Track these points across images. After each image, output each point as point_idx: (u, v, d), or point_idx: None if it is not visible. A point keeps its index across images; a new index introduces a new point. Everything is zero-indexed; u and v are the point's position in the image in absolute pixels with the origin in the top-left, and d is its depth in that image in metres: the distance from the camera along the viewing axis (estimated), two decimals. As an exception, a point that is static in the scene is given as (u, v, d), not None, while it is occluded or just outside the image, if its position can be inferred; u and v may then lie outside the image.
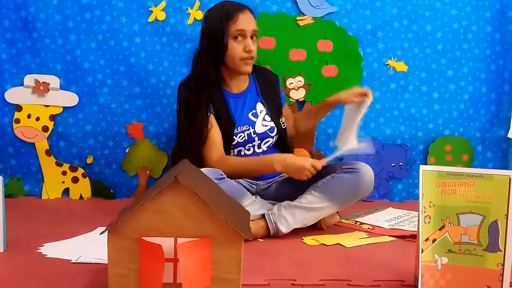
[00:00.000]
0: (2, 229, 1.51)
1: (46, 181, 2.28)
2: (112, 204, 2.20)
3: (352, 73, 2.32)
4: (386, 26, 2.33)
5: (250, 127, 1.91)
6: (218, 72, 1.89)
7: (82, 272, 1.33)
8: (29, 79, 2.24)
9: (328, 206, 1.76)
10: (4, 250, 1.51)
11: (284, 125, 2.00)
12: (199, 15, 2.25)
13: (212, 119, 1.86)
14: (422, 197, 1.24)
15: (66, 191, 2.29)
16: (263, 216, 1.74)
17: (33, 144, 2.27)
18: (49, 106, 2.25)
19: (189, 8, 2.26)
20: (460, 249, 1.24)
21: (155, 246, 1.05)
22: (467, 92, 2.38)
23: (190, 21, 2.26)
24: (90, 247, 1.55)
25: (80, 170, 2.29)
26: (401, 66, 2.35)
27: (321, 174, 1.77)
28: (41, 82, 2.24)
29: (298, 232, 1.75)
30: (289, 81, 2.29)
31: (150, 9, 2.25)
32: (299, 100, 2.30)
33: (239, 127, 1.90)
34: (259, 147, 1.94)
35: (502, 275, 1.21)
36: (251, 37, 1.86)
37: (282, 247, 1.63)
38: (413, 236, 1.63)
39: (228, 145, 1.89)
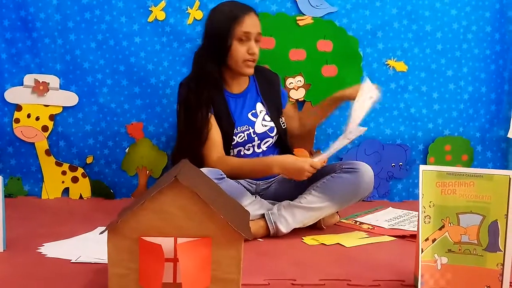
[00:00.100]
0: (2, 229, 1.51)
1: (46, 181, 2.28)
2: (112, 204, 2.20)
3: (352, 73, 2.31)
4: (386, 26, 2.33)
5: (250, 127, 1.91)
6: (219, 72, 1.89)
7: (82, 272, 1.33)
8: (28, 79, 2.24)
9: (328, 206, 1.76)
10: (3, 250, 1.51)
11: (284, 125, 2.00)
12: (199, 15, 2.25)
13: (212, 119, 1.86)
14: (422, 197, 1.24)
15: (66, 191, 2.29)
16: (263, 216, 1.75)
17: (33, 144, 2.27)
18: (48, 106, 2.25)
19: (188, 8, 2.26)
20: (460, 249, 1.24)
21: (155, 246, 1.05)
22: (467, 92, 2.38)
23: (190, 21, 2.26)
24: (90, 247, 1.55)
25: (80, 170, 2.29)
26: (401, 66, 2.35)
27: (321, 174, 1.77)
28: (40, 82, 2.24)
29: (298, 232, 1.75)
30: (288, 81, 2.29)
31: (149, 9, 2.25)
32: (299, 100, 2.30)
33: (238, 127, 1.90)
34: (258, 147, 1.94)
35: (502, 275, 1.21)
36: (255, 40, 1.86)
37: (282, 247, 1.63)
38: (413, 236, 1.63)
39: (228, 145, 1.89)
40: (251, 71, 1.89)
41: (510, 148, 2.40)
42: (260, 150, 1.94)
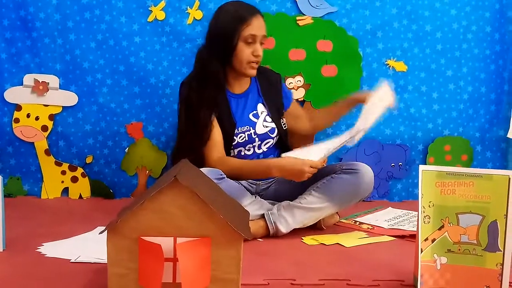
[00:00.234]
0: (2, 229, 1.51)
1: (46, 181, 2.28)
2: (111, 203, 2.20)
3: (351, 73, 2.32)
4: (386, 26, 2.33)
5: (251, 128, 1.91)
6: (223, 72, 1.89)
7: (81, 271, 1.33)
8: (28, 79, 2.24)
9: (328, 207, 1.77)
10: (3, 250, 1.51)
11: (285, 126, 2.00)
12: (199, 14, 2.25)
13: (214, 119, 1.86)
14: (422, 197, 1.24)
15: (65, 191, 2.29)
16: (262, 216, 1.75)
17: (33, 143, 2.26)
18: (48, 105, 2.25)
19: (188, 7, 2.26)
20: (459, 249, 1.24)
21: (155, 245, 1.05)
22: (467, 92, 2.38)
23: (189, 20, 2.26)
24: (89, 246, 1.55)
25: (80, 170, 2.29)
26: (400, 66, 2.35)
27: (321, 174, 1.77)
28: (40, 81, 2.24)
29: (297, 232, 1.75)
30: (288, 80, 2.29)
31: (149, 8, 2.25)
32: (299, 99, 2.30)
33: (239, 128, 1.89)
34: (259, 147, 1.94)
35: (501, 275, 1.21)
36: (260, 42, 1.86)
37: (281, 247, 1.63)
38: (413, 236, 1.63)
39: (228, 145, 1.88)
40: (254, 72, 1.89)
41: (509, 148, 2.40)
42: (260, 151, 1.94)
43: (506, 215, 1.20)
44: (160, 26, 2.26)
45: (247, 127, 1.91)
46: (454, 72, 2.37)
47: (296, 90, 2.29)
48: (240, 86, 1.95)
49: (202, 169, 1.56)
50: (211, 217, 1.07)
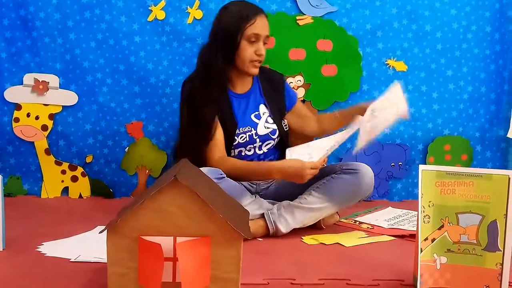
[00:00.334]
0: (2, 228, 1.51)
1: (46, 180, 2.28)
2: (111, 203, 2.20)
3: (351, 72, 2.32)
4: (386, 25, 2.33)
5: (252, 129, 1.91)
6: (226, 71, 1.88)
7: (81, 271, 1.33)
8: (28, 78, 2.24)
9: (328, 207, 1.77)
10: (3, 249, 1.51)
11: (286, 128, 1.99)
12: (199, 14, 2.25)
13: (216, 119, 1.85)
14: (421, 197, 1.24)
15: (65, 190, 2.29)
16: (262, 215, 1.75)
17: (33, 143, 2.26)
18: (48, 105, 2.25)
19: (188, 7, 2.26)
20: (459, 249, 1.24)
21: (155, 245, 1.05)
22: (467, 91, 2.38)
23: (189, 20, 2.26)
24: (89, 246, 1.55)
25: (80, 169, 2.29)
26: (400, 66, 2.35)
27: (321, 174, 1.76)
28: (40, 81, 2.24)
29: (297, 232, 1.75)
30: (288, 80, 2.29)
31: (149, 8, 2.25)
32: (299, 99, 2.30)
33: (241, 128, 1.89)
34: (260, 148, 1.93)
35: (501, 274, 1.21)
36: (263, 42, 1.86)
37: (281, 247, 1.63)
38: (412, 236, 1.63)
39: (229, 145, 1.88)
40: (256, 71, 1.89)
41: (509, 148, 2.40)
42: (261, 152, 1.94)
43: (506, 215, 1.20)
44: (160, 25, 2.26)
45: (249, 128, 1.90)
46: (454, 72, 2.37)
47: (296, 89, 2.29)
48: (242, 86, 1.95)
49: (202, 169, 1.56)
50: (211, 216, 1.07)
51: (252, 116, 1.93)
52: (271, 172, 1.76)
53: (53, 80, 2.24)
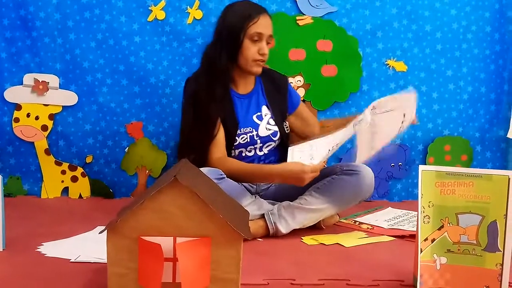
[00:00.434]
0: (2, 228, 1.51)
1: (45, 180, 2.28)
2: (111, 203, 2.20)
3: (351, 73, 2.32)
4: (386, 26, 2.33)
5: (254, 130, 1.90)
6: (230, 70, 1.88)
7: (81, 271, 1.33)
8: (28, 78, 2.24)
9: (328, 208, 1.77)
10: (3, 249, 1.51)
11: (287, 130, 1.99)
12: (199, 14, 2.25)
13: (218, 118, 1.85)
14: (421, 197, 1.24)
15: (65, 190, 2.29)
16: (262, 216, 1.74)
17: (33, 143, 2.26)
18: (48, 105, 2.25)
19: (188, 7, 2.26)
20: (459, 249, 1.24)
21: (155, 245, 1.05)
22: (467, 92, 2.38)
23: (189, 20, 2.26)
24: (89, 246, 1.55)
25: (80, 169, 2.29)
26: (400, 66, 2.35)
27: (321, 175, 1.76)
28: (40, 81, 2.24)
29: (297, 232, 1.75)
30: (288, 80, 2.29)
31: (149, 8, 2.25)
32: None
33: (242, 128, 1.89)
34: (260, 149, 1.93)
35: (501, 275, 1.21)
36: (267, 42, 1.86)
37: (281, 247, 1.63)
38: (412, 236, 1.63)
39: (230, 146, 1.88)
40: (259, 70, 1.89)
41: (509, 148, 2.41)
42: (261, 153, 1.93)
43: (506, 215, 1.20)
44: (160, 25, 2.26)
45: (250, 129, 1.90)
46: (454, 72, 2.37)
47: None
48: (245, 86, 1.95)
49: (202, 169, 1.56)
50: (211, 217, 1.07)
51: (254, 117, 1.93)
52: (272, 176, 1.75)
53: (53, 80, 2.24)
